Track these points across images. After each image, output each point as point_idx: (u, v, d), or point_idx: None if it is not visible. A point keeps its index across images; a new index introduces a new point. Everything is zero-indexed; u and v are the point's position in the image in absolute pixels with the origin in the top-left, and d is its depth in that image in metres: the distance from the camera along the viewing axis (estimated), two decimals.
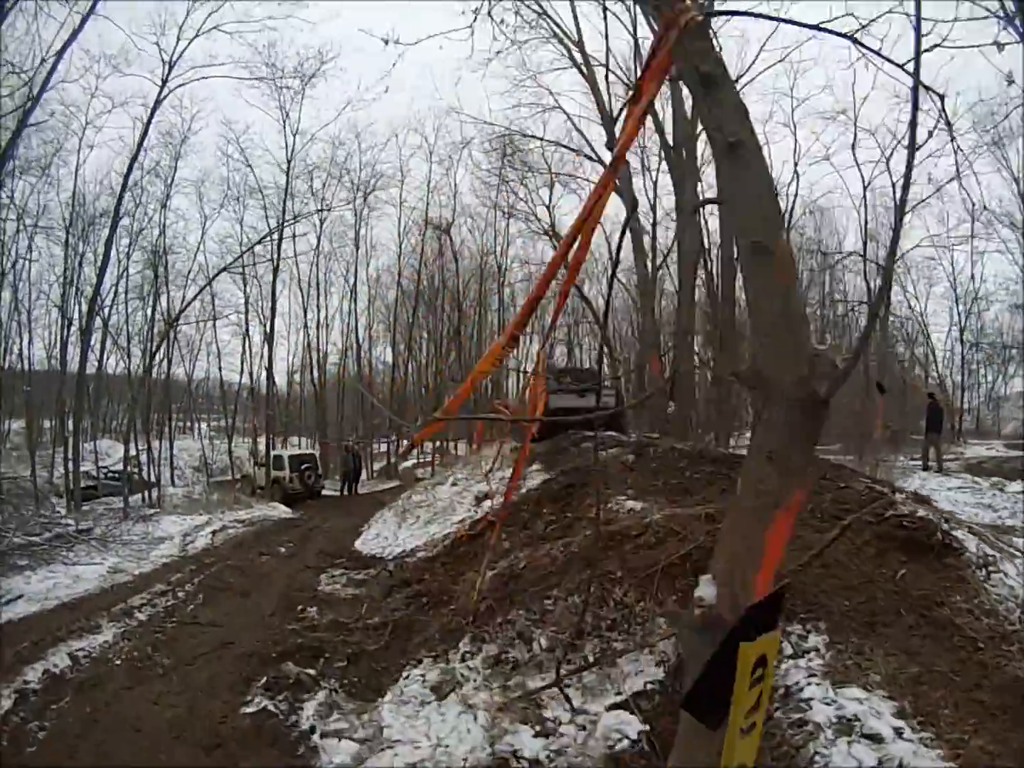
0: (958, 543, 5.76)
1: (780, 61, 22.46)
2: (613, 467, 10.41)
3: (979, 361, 30.13)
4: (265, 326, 30.54)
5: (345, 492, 25.18)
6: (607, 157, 23.79)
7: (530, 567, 7.39)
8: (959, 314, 28.75)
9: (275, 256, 27.85)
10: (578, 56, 21.98)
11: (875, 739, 3.68)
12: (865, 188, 26.36)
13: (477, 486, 13.72)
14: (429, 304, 34.81)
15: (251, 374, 33.08)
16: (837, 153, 28.59)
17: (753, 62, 21.83)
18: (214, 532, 14.31)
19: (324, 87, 37.34)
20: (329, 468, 29.87)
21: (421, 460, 34.95)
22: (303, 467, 23.75)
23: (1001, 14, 11.72)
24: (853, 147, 25.36)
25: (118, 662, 7.09)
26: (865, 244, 26.55)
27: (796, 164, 26.62)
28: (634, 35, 21.04)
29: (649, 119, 18.42)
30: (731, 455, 11.26)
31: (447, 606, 7.72)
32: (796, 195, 27.06)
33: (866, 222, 26.34)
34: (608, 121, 21.26)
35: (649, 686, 5.08)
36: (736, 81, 17.58)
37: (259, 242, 26.82)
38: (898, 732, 3.71)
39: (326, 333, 35.53)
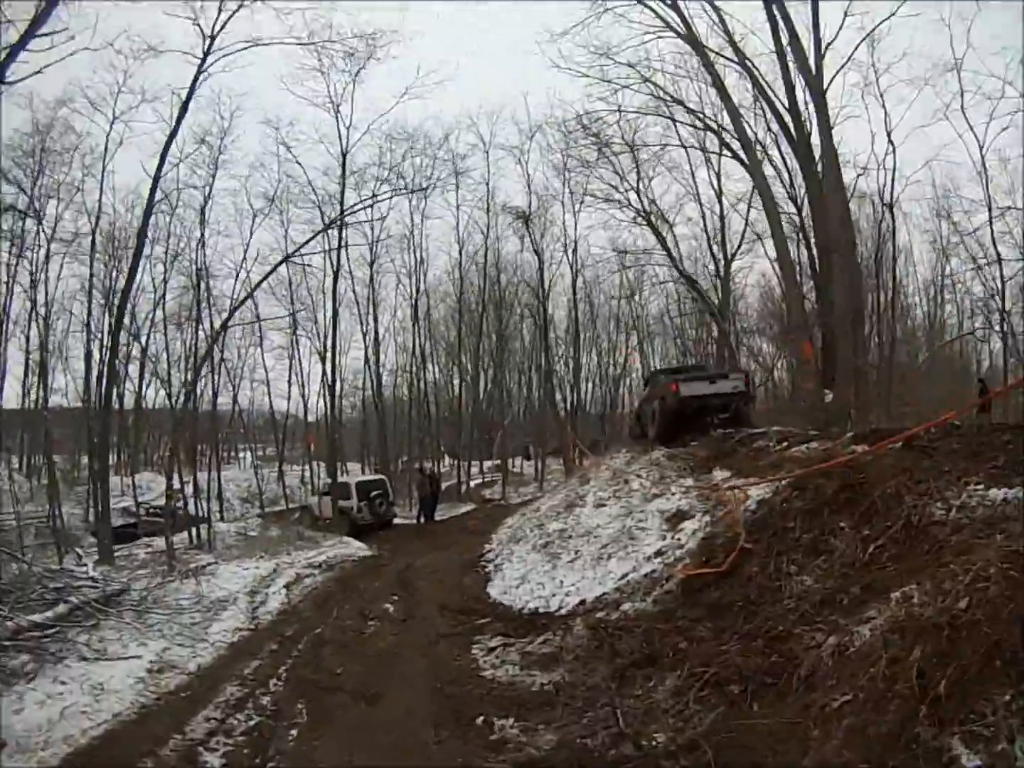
0: None
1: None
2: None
3: None
4: (320, 343, 28.25)
5: (421, 520, 21.55)
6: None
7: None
8: None
9: (336, 257, 24.57)
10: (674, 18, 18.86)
11: None
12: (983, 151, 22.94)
13: (652, 504, 10.06)
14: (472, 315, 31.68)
15: (303, 396, 31.46)
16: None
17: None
18: (288, 585, 10.51)
19: (376, 74, 33.39)
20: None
21: (485, 479, 32.34)
22: (373, 495, 20.72)
23: None
24: (963, 108, 22.29)
25: None
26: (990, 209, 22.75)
27: (889, 134, 24.01)
28: None
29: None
30: None
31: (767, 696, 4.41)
32: (895, 167, 24.39)
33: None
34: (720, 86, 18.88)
35: None
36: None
37: (325, 229, 23.09)
38: None
39: (379, 349, 31.90)
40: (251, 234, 26.19)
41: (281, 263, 21.05)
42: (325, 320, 28.23)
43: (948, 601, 3.75)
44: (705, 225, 27.98)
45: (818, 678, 4.16)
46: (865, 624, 4.27)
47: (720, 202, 27.33)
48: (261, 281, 21.44)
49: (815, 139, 17.83)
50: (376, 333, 30.28)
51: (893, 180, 24.48)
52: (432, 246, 36.52)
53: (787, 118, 18.48)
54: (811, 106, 17.73)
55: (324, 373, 27.51)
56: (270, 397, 32.52)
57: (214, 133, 22.95)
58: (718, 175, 27.04)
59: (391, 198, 25.11)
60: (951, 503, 5.32)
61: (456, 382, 35.25)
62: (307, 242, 21.79)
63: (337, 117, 24.34)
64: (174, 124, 17.33)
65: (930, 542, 4.95)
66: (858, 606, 4.70)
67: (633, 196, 26.34)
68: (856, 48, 19.75)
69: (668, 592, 6.97)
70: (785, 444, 11.00)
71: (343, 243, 24.34)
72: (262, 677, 6.49)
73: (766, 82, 19.38)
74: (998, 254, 22.77)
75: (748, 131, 19.12)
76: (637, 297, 34.45)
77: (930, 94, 38.70)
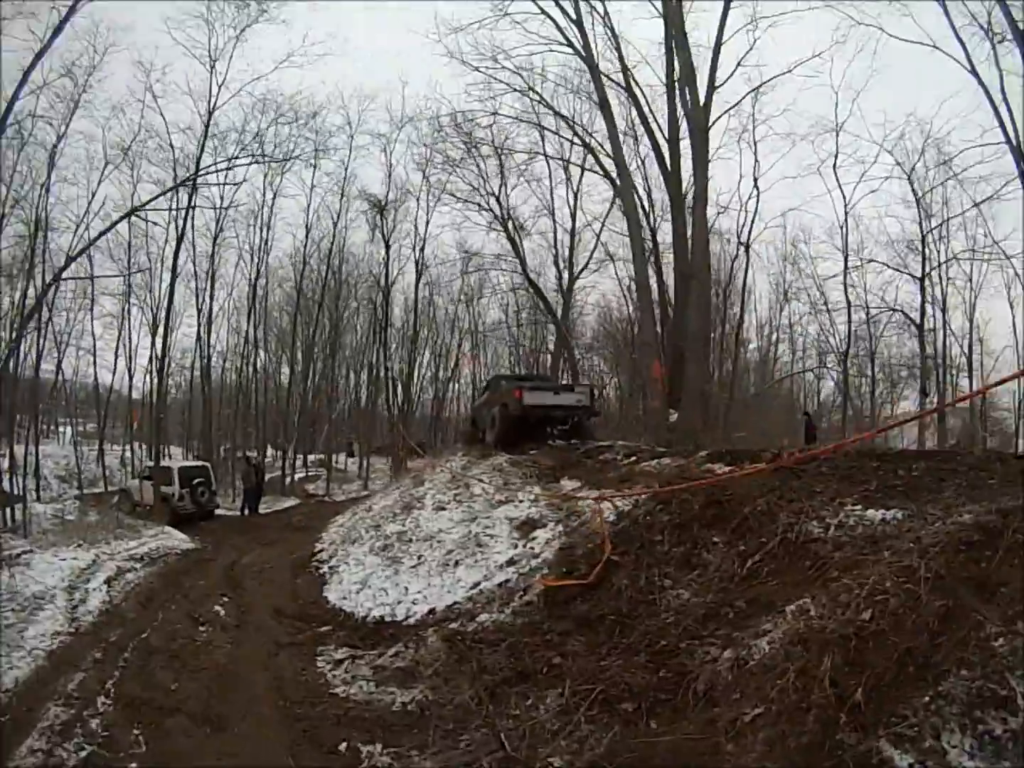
0: None
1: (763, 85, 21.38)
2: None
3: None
4: (152, 315, 26.23)
5: (245, 512, 20.27)
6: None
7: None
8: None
9: (182, 222, 22.46)
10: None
11: None
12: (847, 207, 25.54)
13: (498, 511, 9.98)
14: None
15: (130, 370, 29.10)
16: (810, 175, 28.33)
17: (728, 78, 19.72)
18: (109, 580, 9.25)
19: (261, 38, 31.01)
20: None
21: (308, 473, 31.20)
22: (195, 482, 19.24)
23: None
24: (835, 167, 24.95)
25: None
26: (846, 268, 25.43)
27: (756, 180, 25.79)
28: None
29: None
30: (898, 452, 8.93)
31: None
32: (756, 211, 26.21)
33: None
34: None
35: None
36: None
37: (176, 187, 21.43)
38: None
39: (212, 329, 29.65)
40: (98, 185, 23.56)
41: (127, 216, 19.65)
42: (160, 291, 26.57)
43: (849, 613, 3.92)
44: (555, 239, 28.67)
45: (719, 692, 4.17)
46: (762, 637, 4.33)
47: (574, 219, 28.31)
48: (103, 232, 19.69)
49: (686, 171, 18.72)
50: (211, 311, 28.17)
51: (752, 222, 26.36)
52: (279, 226, 34.63)
53: (664, 148, 19.31)
54: (685, 141, 18.51)
55: (154, 347, 25.74)
56: (96, 368, 29.74)
57: (83, 67, 20.73)
58: (576, 193, 28.03)
59: (249, 165, 23.32)
60: (828, 522, 5.55)
61: (285, 371, 33.97)
62: (157, 197, 20.48)
63: (212, 72, 22.62)
64: (46, 40, 15.68)
65: (811, 558, 5.10)
66: (745, 619, 4.79)
67: (493, 201, 26.69)
68: (743, 98, 21.37)
69: (529, 603, 6.81)
70: (633, 459, 11.31)
71: (192, 204, 22.52)
72: (89, 694, 5.64)
73: (651, 110, 20.37)
74: (848, 301, 25.26)
75: (623, 155, 19.61)
76: (475, 302, 34.68)
77: (803, 149, 42.13)
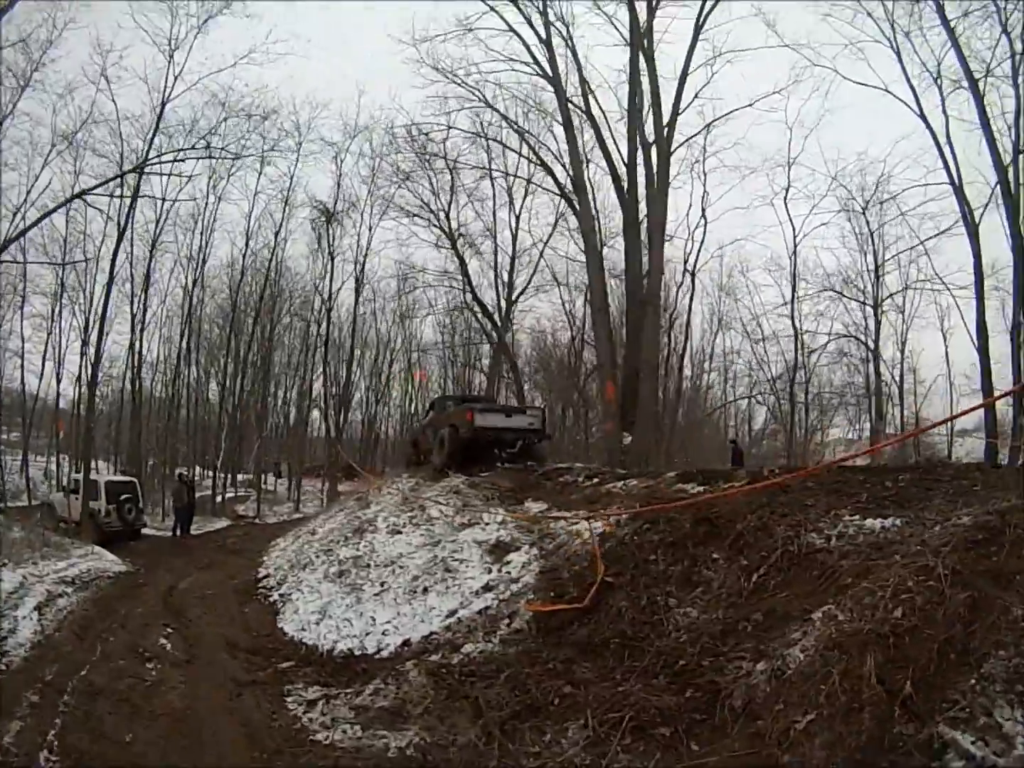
0: None
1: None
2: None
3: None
4: (84, 318, 24.89)
5: (177, 533, 18.96)
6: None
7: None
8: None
9: (125, 216, 21.67)
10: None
11: None
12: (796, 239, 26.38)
13: (463, 534, 9.57)
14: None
15: (58, 376, 27.65)
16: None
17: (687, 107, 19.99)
18: (40, 607, 8.24)
19: (224, 33, 29.30)
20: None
21: (237, 494, 29.88)
22: (122, 498, 18.21)
23: None
24: (786, 199, 25.76)
25: None
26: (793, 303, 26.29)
27: (703, 210, 26.45)
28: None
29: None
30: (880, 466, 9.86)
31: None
32: (703, 240, 27.04)
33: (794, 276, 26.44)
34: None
35: None
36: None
37: (124, 174, 20.35)
38: None
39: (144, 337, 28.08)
40: (41, 170, 22.35)
41: (72, 199, 18.56)
42: (94, 292, 25.62)
43: (880, 614, 4.00)
44: (496, 261, 28.36)
45: (758, 705, 4.07)
46: (793, 647, 4.29)
47: (515, 241, 28.12)
48: (47, 214, 18.85)
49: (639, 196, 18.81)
50: (144, 318, 26.77)
51: (699, 251, 27.05)
52: (217, 234, 33.10)
53: (621, 172, 19.39)
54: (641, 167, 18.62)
55: (84, 353, 24.53)
56: (23, 372, 28.17)
57: (39, 41, 19.48)
58: (518, 216, 27.97)
59: (198, 160, 21.88)
60: (828, 533, 5.54)
61: (214, 386, 32.38)
62: (104, 183, 19.23)
63: (170, 63, 21.54)
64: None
65: (818, 568, 5.07)
66: (766, 632, 4.70)
67: (443, 217, 26.42)
68: (707, 126, 21.68)
69: (518, 631, 6.46)
70: (596, 480, 11.12)
71: (137, 194, 21.57)
72: (29, 748, 4.80)
73: (612, 134, 20.44)
74: (795, 330, 26.16)
75: (584, 177, 19.76)
76: (409, 321, 34.31)
77: (752, 182, 43.23)
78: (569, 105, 19.25)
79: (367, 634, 7.66)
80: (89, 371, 23.12)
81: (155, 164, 20.07)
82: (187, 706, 5.83)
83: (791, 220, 26.08)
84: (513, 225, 27.92)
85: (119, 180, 20.36)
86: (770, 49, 19.73)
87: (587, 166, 22.14)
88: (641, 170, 18.52)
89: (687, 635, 5.09)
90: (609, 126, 20.51)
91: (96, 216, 22.10)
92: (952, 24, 16.59)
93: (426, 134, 23.67)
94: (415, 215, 26.74)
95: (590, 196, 21.06)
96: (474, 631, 6.80)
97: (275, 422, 36.79)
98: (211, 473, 28.26)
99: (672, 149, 18.42)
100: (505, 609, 6.97)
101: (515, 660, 5.82)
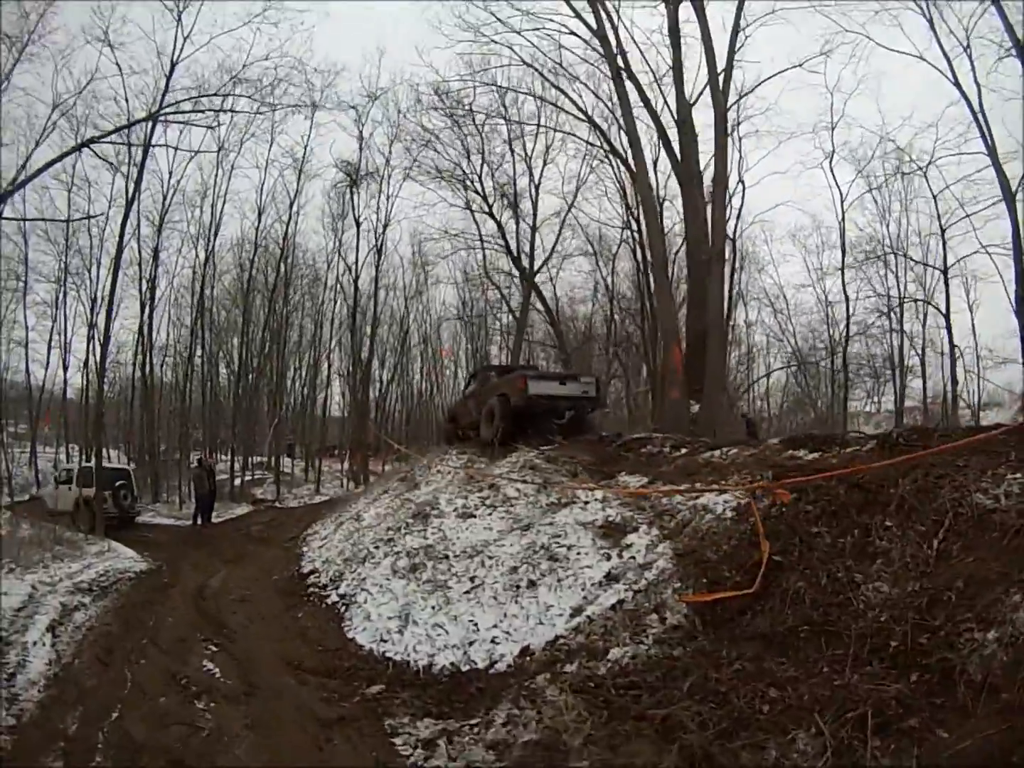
0: None
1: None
2: None
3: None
4: (89, 302, 23.73)
5: (198, 521, 17.41)
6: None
7: None
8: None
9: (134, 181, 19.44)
10: None
11: None
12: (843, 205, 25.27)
13: (561, 515, 7.96)
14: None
15: (64, 364, 25.99)
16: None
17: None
18: (53, 627, 6.54)
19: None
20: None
21: (254, 477, 28.13)
22: (117, 484, 17.30)
23: None
24: (831, 164, 24.76)
25: None
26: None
27: (740, 175, 24.60)
28: None
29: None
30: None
31: None
32: (742, 205, 25.26)
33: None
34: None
35: None
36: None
37: (135, 123, 18.76)
38: None
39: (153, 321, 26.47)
40: (35, 147, 19.95)
41: (78, 148, 16.41)
42: (98, 277, 24.46)
43: None
44: (517, 228, 26.56)
45: (998, 677, 3.50)
46: (1019, 609, 3.77)
47: (535, 209, 26.52)
48: (49, 164, 16.45)
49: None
50: (153, 297, 25.04)
51: (739, 216, 25.57)
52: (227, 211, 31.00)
53: (671, 133, 18.24)
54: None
55: (93, 337, 23.10)
56: (27, 362, 26.67)
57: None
58: (537, 188, 26.34)
59: (216, 114, 19.29)
60: (993, 493, 4.96)
61: (223, 368, 31.03)
62: (114, 131, 17.45)
63: (178, 24, 19.56)
64: None
65: (998, 529, 4.56)
66: (973, 599, 4.06)
67: (475, 179, 25.37)
68: (759, 84, 19.98)
69: (676, 628, 5.20)
70: (684, 451, 9.74)
71: (148, 143, 19.46)
72: None
73: (661, 91, 19.63)
74: (846, 296, 25.18)
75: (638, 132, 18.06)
76: (427, 295, 32.99)
77: (789, 147, 42.34)
78: (617, 59, 17.74)
79: (470, 643, 6.11)
80: (98, 355, 21.41)
81: (169, 113, 18.18)
82: (269, 761, 4.26)
83: (838, 185, 25.30)
84: (533, 194, 26.37)
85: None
86: (802, 11, 18.28)
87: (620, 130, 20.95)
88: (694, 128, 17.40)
89: (887, 613, 4.32)
90: (659, 82, 19.61)
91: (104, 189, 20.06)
92: None
93: (457, 91, 22.54)
94: (441, 177, 25.34)
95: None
96: (614, 631, 5.41)
97: (288, 402, 35.13)
98: (227, 457, 26.74)
99: (728, 105, 17.31)
100: (646, 602, 5.61)
101: (688, 664, 4.62)
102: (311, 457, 30.01)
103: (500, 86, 22.15)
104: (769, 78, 19.47)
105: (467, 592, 6.99)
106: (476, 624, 6.35)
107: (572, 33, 18.98)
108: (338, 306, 28.40)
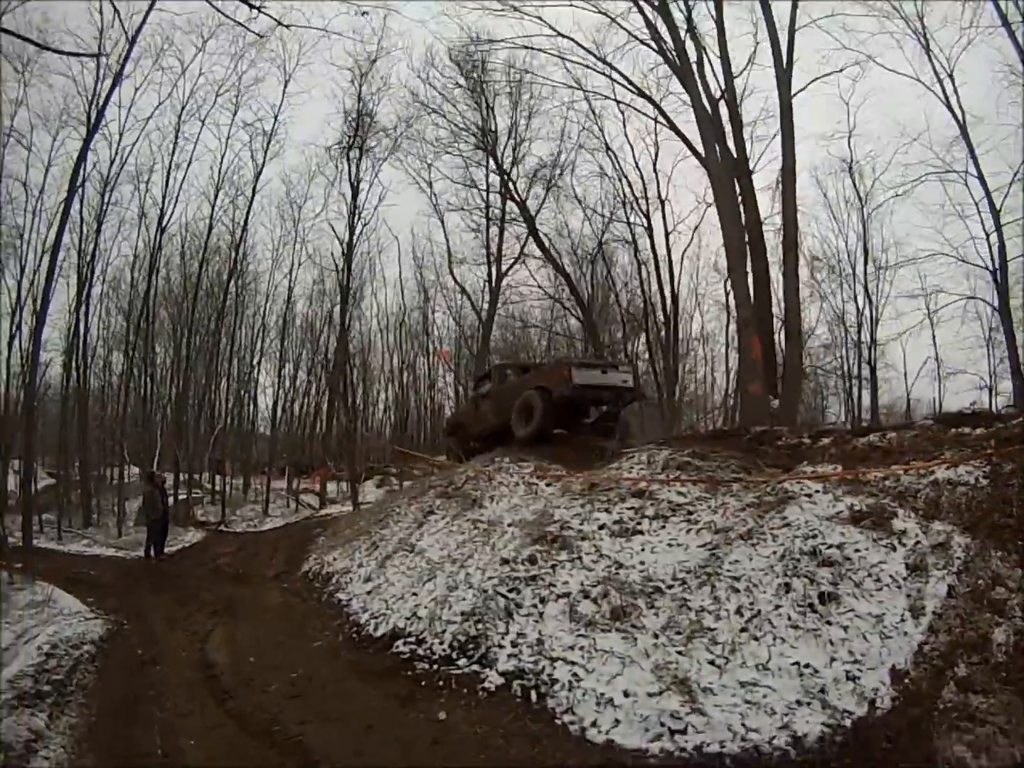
0: None
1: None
2: None
3: None
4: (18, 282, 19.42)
5: (151, 554, 13.50)
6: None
7: None
8: None
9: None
10: None
11: None
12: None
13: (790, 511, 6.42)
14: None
15: None
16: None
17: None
18: None
19: None
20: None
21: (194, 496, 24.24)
22: None
23: None
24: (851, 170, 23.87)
25: None
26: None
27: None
28: None
29: None
30: None
31: None
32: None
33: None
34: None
35: None
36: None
37: None
38: None
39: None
40: None
41: None
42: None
43: None
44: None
45: None
46: None
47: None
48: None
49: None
50: (90, 288, 20.97)
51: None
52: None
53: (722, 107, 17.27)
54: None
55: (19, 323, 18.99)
56: None
57: None
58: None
59: None
60: None
61: (162, 372, 27.81)
62: None
63: None
64: None
65: None
66: None
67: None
68: (841, 70, 19.50)
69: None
70: (829, 439, 8.76)
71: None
72: None
73: (713, 70, 18.03)
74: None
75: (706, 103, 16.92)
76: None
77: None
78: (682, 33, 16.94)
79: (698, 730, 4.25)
80: (31, 344, 16.55)
81: None
82: None
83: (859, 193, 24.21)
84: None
85: None
86: (808, 26, 17.69)
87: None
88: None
89: None
90: (708, 63, 18.04)
91: None
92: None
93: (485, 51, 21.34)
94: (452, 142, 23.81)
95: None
96: (974, 617, 4.71)
97: (219, 413, 31.54)
98: (167, 472, 22.88)
99: (793, 94, 16.35)
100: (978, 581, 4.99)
101: None
102: (248, 475, 26.70)
103: (536, 48, 20.54)
104: (828, 75, 19.07)
105: (743, 630, 5.03)
106: (811, 667, 4.63)
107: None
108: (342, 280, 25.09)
